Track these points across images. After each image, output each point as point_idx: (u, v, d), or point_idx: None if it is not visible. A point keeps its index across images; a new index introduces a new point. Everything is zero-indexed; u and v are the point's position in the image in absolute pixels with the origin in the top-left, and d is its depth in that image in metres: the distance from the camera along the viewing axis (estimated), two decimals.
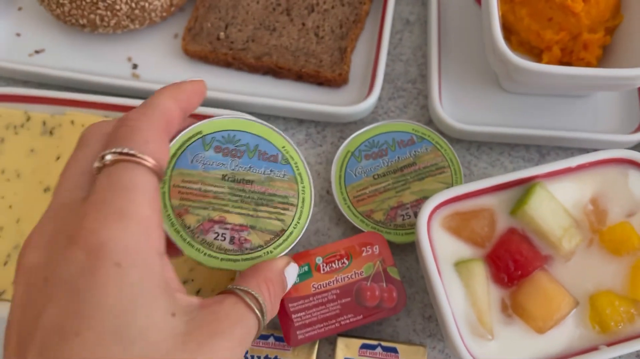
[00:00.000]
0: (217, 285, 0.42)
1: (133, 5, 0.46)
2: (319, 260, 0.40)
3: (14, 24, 0.52)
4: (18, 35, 0.51)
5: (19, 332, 0.25)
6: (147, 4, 0.47)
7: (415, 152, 0.45)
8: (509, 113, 0.47)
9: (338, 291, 0.39)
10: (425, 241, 0.36)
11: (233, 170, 0.36)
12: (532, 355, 0.35)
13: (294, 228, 0.36)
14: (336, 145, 0.47)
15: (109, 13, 0.47)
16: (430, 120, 0.48)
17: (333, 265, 0.40)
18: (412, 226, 0.43)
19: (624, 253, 0.37)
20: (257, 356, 0.40)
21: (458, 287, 0.36)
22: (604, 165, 0.39)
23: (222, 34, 0.49)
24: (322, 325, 0.38)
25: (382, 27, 0.49)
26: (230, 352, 0.26)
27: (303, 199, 0.37)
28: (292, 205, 0.36)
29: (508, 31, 0.47)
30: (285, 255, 0.36)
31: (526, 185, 0.38)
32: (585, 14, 0.43)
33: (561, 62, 0.46)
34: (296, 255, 0.40)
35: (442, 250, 0.37)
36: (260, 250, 0.35)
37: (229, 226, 0.34)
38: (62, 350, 0.23)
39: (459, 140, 0.47)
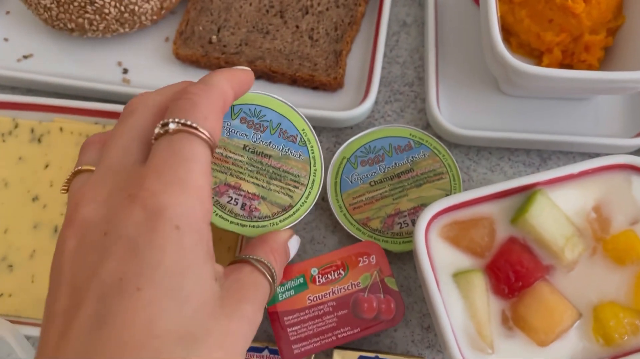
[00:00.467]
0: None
1: (122, 8, 0.45)
2: (314, 271, 0.39)
3: (1, 29, 0.50)
4: (6, 40, 0.50)
5: (72, 282, 0.26)
6: (136, 7, 0.46)
7: (412, 157, 0.44)
8: (508, 117, 0.46)
9: (334, 303, 0.38)
10: (423, 251, 0.35)
11: (254, 142, 0.38)
12: None
13: (301, 205, 0.38)
14: (332, 151, 0.46)
15: (97, 17, 0.45)
16: (428, 124, 0.47)
17: (329, 276, 0.39)
18: (410, 234, 0.42)
19: (628, 262, 0.36)
20: None
21: (457, 299, 0.35)
22: (607, 171, 0.38)
23: (214, 38, 0.48)
24: (318, 339, 0.37)
25: (378, 29, 0.48)
26: (254, 315, 0.29)
27: (313, 181, 0.39)
28: (302, 184, 0.38)
29: (507, 33, 0.46)
30: (289, 228, 0.38)
31: (527, 193, 0.37)
32: (587, 15, 0.42)
33: (562, 64, 0.45)
34: (291, 266, 0.39)
35: (440, 260, 0.36)
36: (267, 220, 0.37)
37: (242, 193, 0.37)
38: (122, 303, 0.24)
39: (457, 144, 0.46)
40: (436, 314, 0.34)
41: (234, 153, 0.37)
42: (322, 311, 0.38)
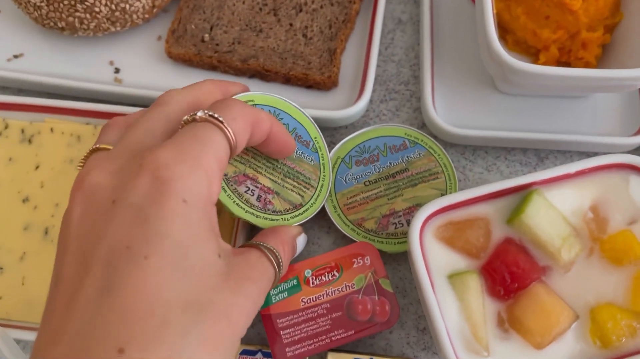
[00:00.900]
0: None
1: (113, 7, 0.45)
2: (308, 273, 0.38)
3: None
4: None
5: (79, 248, 0.26)
6: (127, 6, 0.45)
7: (407, 157, 0.44)
8: (505, 115, 0.45)
9: (328, 305, 0.38)
10: (418, 253, 0.35)
11: None
12: None
13: (310, 206, 0.39)
14: None
15: (88, 15, 0.45)
16: (423, 124, 0.46)
17: (323, 277, 0.38)
18: (405, 235, 0.41)
19: (626, 263, 0.35)
20: None
21: (452, 301, 0.35)
22: (604, 170, 0.37)
23: (206, 36, 0.47)
24: (312, 341, 0.37)
25: (373, 26, 0.47)
26: (257, 297, 0.30)
27: (322, 185, 0.40)
28: (312, 186, 0.40)
29: (504, 30, 0.45)
30: (299, 225, 0.39)
31: (523, 193, 0.37)
32: (584, 12, 0.42)
33: (559, 62, 0.44)
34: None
35: (435, 262, 0.35)
36: (278, 215, 0.38)
37: (259, 185, 0.38)
38: (130, 270, 0.25)
39: (453, 143, 0.45)
40: (431, 316, 0.33)
41: (253, 147, 0.38)
42: (316, 314, 0.38)
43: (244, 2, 0.48)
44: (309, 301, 0.38)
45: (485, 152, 0.46)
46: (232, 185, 0.37)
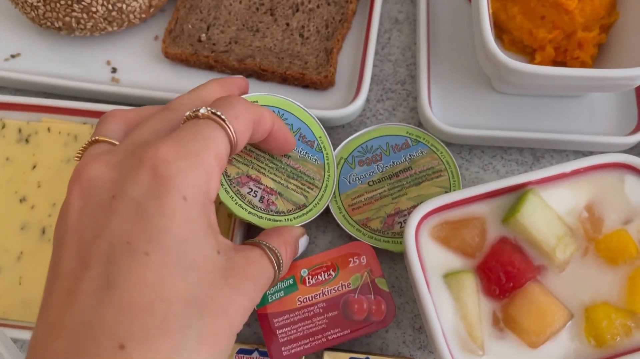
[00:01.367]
0: None
1: (110, 7, 0.45)
2: (304, 272, 0.38)
3: None
4: None
5: (78, 242, 0.26)
6: (124, 6, 0.45)
7: (410, 155, 0.44)
8: (501, 115, 0.45)
9: (324, 304, 0.38)
10: (414, 252, 0.35)
11: None
12: None
13: (314, 206, 0.40)
14: None
15: (84, 15, 0.45)
16: (419, 123, 0.46)
17: (319, 277, 0.38)
18: None
19: (621, 262, 0.35)
20: None
21: (447, 300, 0.35)
22: (599, 170, 0.37)
23: (203, 36, 0.47)
24: (308, 341, 0.37)
25: (370, 26, 0.47)
26: (255, 294, 0.30)
27: (326, 185, 0.41)
28: (316, 187, 0.40)
29: (500, 30, 0.45)
30: (302, 227, 0.39)
31: (518, 192, 0.37)
32: (580, 12, 0.42)
33: (555, 62, 0.44)
34: None
35: (430, 261, 0.36)
36: (282, 215, 0.38)
37: (262, 186, 0.38)
38: (131, 266, 0.25)
39: (449, 143, 0.45)
40: (426, 315, 0.34)
41: (256, 148, 0.39)
42: (312, 313, 0.38)
43: (240, 2, 0.48)
44: (305, 301, 0.38)
45: (481, 151, 0.46)
46: (234, 187, 0.38)
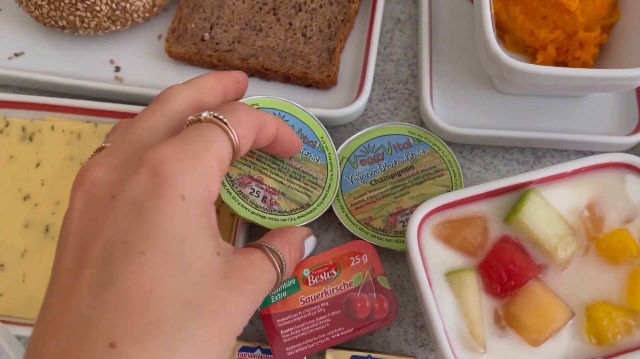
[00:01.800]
0: None
1: (114, 6, 0.45)
2: (306, 272, 0.39)
3: None
4: None
5: (78, 242, 0.26)
6: (128, 5, 0.45)
7: (412, 155, 0.44)
8: (502, 114, 0.46)
9: (327, 303, 0.38)
10: (416, 251, 0.35)
11: None
12: None
13: (318, 205, 0.40)
14: None
15: (88, 14, 0.45)
16: (421, 123, 0.46)
17: (321, 276, 0.39)
18: None
19: (622, 261, 0.36)
20: None
21: (449, 298, 0.35)
22: (600, 169, 0.38)
23: (206, 35, 0.47)
24: (311, 340, 0.37)
25: (372, 26, 0.48)
26: (255, 297, 0.30)
27: (329, 184, 0.41)
28: (319, 186, 0.40)
29: (501, 30, 0.46)
30: (308, 227, 0.39)
31: (520, 191, 0.37)
32: (581, 12, 0.42)
33: (556, 62, 0.44)
34: None
35: (432, 259, 0.36)
36: (285, 215, 0.39)
37: (264, 186, 0.39)
38: (126, 264, 0.25)
39: (451, 142, 0.45)
40: (428, 313, 0.34)
41: (258, 149, 0.39)
42: (315, 312, 0.38)
43: (243, 2, 0.48)
44: (307, 300, 0.38)
45: (483, 150, 0.46)
46: (237, 187, 0.38)
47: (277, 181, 0.40)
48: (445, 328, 0.34)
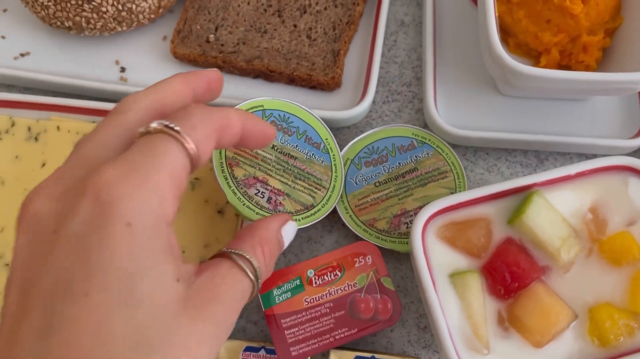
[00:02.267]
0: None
1: (120, 7, 0.45)
2: (310, 273, 0.39)
3: None
4: (3, 37, 0.50)
5: (21, 284, 0.24)
6: (134, 6, 0.46)
7: (416, 157, 0.44)
8: (506, 117, 0.46)
9: (331, 304, 0.38)
10: (420, 252, 0.35)
11: (282, 143, 0.41)
12: None
13: (322, 206, 0.40)
14: None
15: (94, 15, 0.45)
16: (425, 125, 0.47)
17: (325, 277, 0.39)
18: None
19: (624, 263, 0.36)
20: None
21: (453, 299, 0.35)
22: (603, 172, 0.38)
23: (211, 37, 0.47)
24: (316, 340, 0.37)
25: (376, 28, 0.48)
26: (226, 316, 0.27)
27: (334, 186, 0.41)
28: (324, 187, 0.41)
29: (505, 33, 0.46)
30: (283, 214, 0.37)
31: (524, 194, 0.37)
32: (585, 16, 0.42)
33: (560, 65, 0.45)
34: (287, 269, 0.39)
35: (437, 261, 0.36)
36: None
37: (269, 187, 0.39)
38: (70, 309, 0.23)
39: (455, 145, 0.46)
40: (432, 314, 0.34)
41: (263, 150, 0.40)
42: (319, 313, 0.38)
43: (248, 4, 0.49)
44: (312, 301, 0.38)
45: (486, 153, 0.46)
46: (242, 188, 0.38)
47: (282, 182, 0.40)
48: (449, 329, 0.34)
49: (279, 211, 0.39)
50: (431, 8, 0.49)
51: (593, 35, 0.43)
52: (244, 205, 0.38)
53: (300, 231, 0.44)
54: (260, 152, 0.40)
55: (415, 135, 0.45)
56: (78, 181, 0.25)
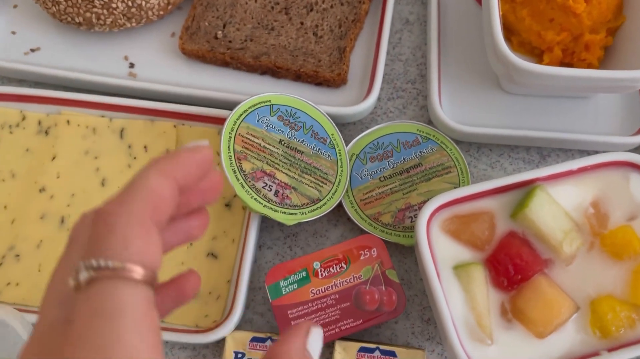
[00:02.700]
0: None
1: (129, 3, 0.46)
2: (316, 265, 0.39)
3: (9, 22, 0.51)
4: (13, 33, 0.50)
5: None
6: (143, 2, 0.46)
7: (420, 152, 0.45)
8: (509, 114, 0.47)
9: (337, 296, 0.39)
10: (425, 244, 0.36)
11: (289, 138, 0.42)
12: None
13: (328, 200, 0.41)
14: None
15: (105, 11, 0.46)
16: (429, 121, 0.47)
17: (331, 269, 0.39)
18: None
19: (625, 257, 0.37)
20: None
21: (457, 291, 0.36)
22: (605, 168, 0.39)
23: (219, 33, 0.48)
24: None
25: (382, 26, 0.49)
26: None
27: (339, 180, 0.42)
28: (330, 181, 0.42)
29: (509, 31, 0.47)
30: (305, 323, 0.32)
31: (527, 188, 0.38)
32: (587, 15, 0.43)
33: (562, 63, 0.45)
34: (293, 261, 0.39)
35: (441, 253, 0.37)
36: (296, 209, 0.40)
37: (276, 181, 0.40)
38: None
39: (458, 141, 0.46)
40: (437, 305, 0.35)
41: (271, 145, 0.41)
42: (325, 304, 0.39)
43: (256, 1, 0.49)
44: (318, 293, 0.39)
45: (489, 149, 0.47)
46: (250, 181, 0.39)
47: (289, 176, 0.41)
48: (453, 320, 0.35)
49: (286, 205, 0.40)
50: (436, 7, 0.50)
51: (595, 34, 0.44)
52: (251, 197, 0.39)
53: (306, 225, 0.44)
54: (267, 146, 0.41)
55: (420, 131, 0.46)
56: None
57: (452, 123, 0.45)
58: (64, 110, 0.46)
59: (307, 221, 0.43)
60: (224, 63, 0.48)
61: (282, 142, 0.42)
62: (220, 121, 0.45)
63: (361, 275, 0.39)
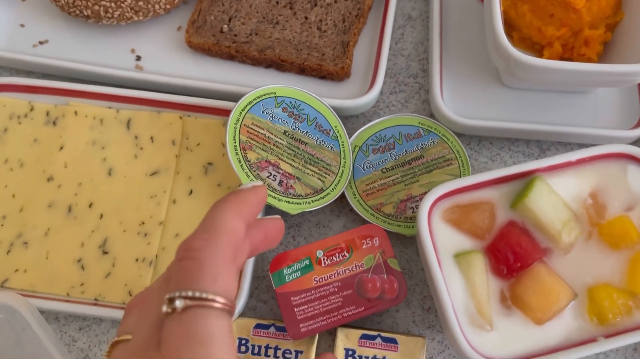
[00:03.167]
0: None
1: None
2: (319, 254, 0.40)
3: (18, 15, 0.52)
4: (22, 26, 0.51)
5: None
6: None
7: (422, 144, 0.46)
8: (509, 108, 0.47)
9: (339, 283, 0.39)
10: (426, 233, 0.37)
11: (293, 129, 0.43)
12: (530, 346, 0.35)
13: (331, 191, 0.42)
14: None
15: (113, 4, 0.47)
16: (431, 115, 0.48)
17: (334, 258, 0.40)
18: None
19: (623, 246, 0.37)
20: (258, 346, 0.40)
21: (458, 278, 0.36)
22: (603, 159, 0.39)
23: (225, 27, 0.49)
24: (324, 318, 0.39)
25: (385, 21, 0.49)
26: None
27: (342, 171, 0.43)
28: (333, 172, 0.43)
29: (509, 27, 0.47)
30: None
31: (526, 179, 0.39)
32: (587, 11, 0.44)
33: (562, 58, 0.46)
34: (297, 249, 0.40)
35: (442, 241, 0.37)
36: (300, 199, 0.41)
37: (280, 171, 0.41)
38: None
39: (459, 134, 0.47)
40: (438, 292, 0.35)
41: (275, 135, 0.42)
42: (327, 292, 0.39)
43: None
44: (320, 280, 0.40)
45: (490, 142, 0.48)
46: (254, 171, 0.40)
47: (293, 166, 0.41)
48: (454, 307, 0.35)
49: (290, 194, 0.41)
50: (438, 3, 0.50)
51: (595, 30, 0.44)
52: None
53: (309, 215, 0.45)
54: (272, 137, 0.42)
55: (422, 124, 0.46)
56: None
57: (453, 116, 0.45)
58: (72, 101, 0.47)
59: (310, 212, 0.44)
60: (230, 57, 0.49)
61: (287, 133, 0.43)
62: (226, 113, 0.45)
63: (363, 264, 0.40)
